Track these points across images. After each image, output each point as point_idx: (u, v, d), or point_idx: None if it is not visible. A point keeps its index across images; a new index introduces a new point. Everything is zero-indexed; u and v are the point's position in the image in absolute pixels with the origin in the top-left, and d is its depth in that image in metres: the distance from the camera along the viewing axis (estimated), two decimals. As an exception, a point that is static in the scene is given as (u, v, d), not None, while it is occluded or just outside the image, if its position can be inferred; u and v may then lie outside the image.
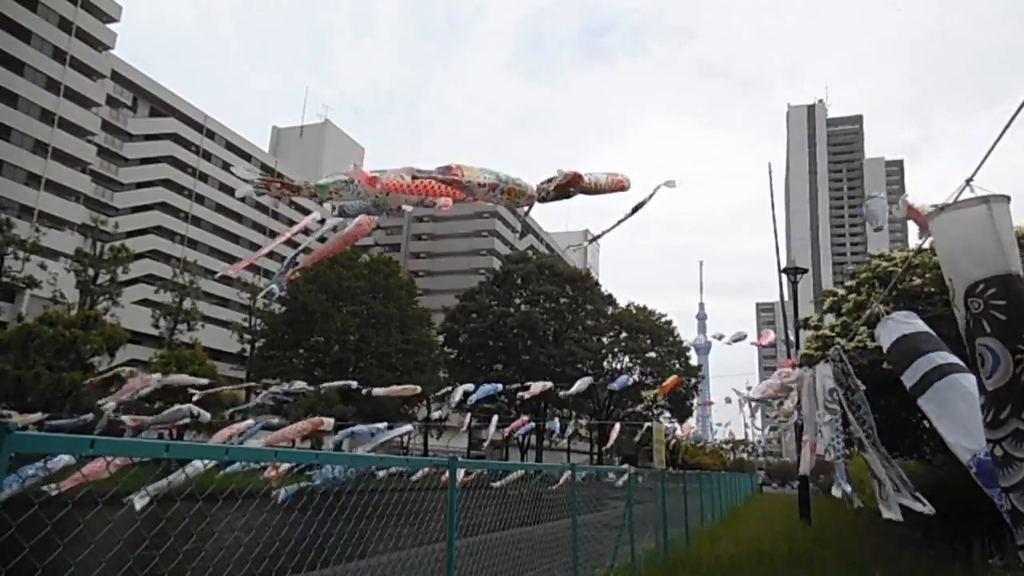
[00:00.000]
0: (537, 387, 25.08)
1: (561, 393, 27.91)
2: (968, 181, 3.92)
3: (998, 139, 3.70)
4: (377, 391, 22.17)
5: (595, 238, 7.67)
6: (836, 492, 7.87)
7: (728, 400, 44.39)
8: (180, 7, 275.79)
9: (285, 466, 8.70)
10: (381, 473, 12.10)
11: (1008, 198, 3.72)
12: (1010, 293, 3.44)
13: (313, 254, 7.02)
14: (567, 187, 5.68)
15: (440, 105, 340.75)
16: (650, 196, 7.47)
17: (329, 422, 12.71)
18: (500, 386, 25.73)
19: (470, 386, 25.00)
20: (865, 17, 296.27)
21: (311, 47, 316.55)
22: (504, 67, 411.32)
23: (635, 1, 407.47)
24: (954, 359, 4.11)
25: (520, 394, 25.03)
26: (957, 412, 3.81)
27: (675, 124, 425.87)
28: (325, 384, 24.41)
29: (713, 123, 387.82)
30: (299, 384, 24.68)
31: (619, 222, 7.37)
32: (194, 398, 22.98)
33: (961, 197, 3.91)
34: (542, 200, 5.63)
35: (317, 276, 45.38)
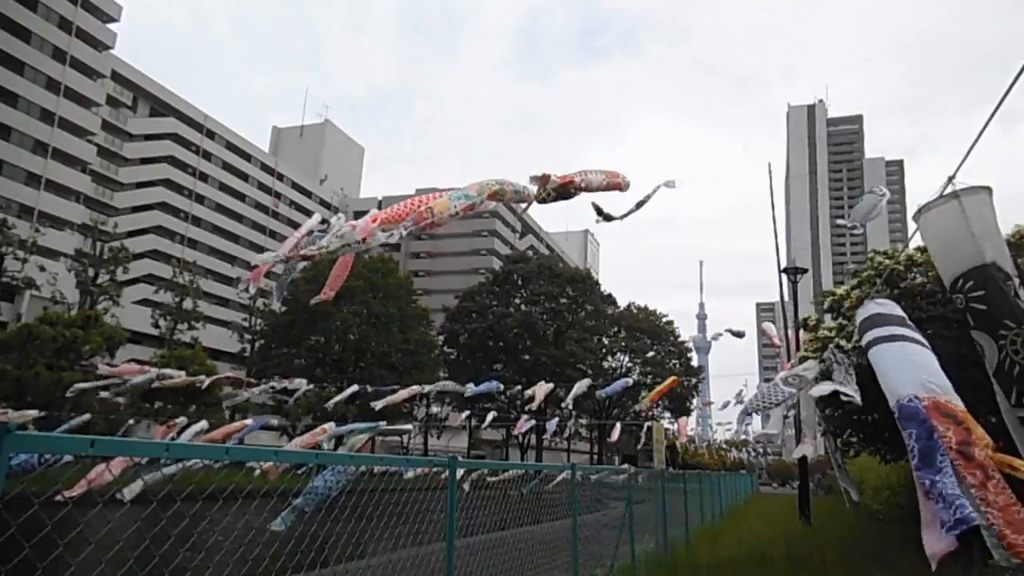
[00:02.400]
0: (541, 391, 24.75)
1: (562, 402, 27.74)
2: (951, 179, 3.92)
3: (980, 134, 3.71)
4: (378, 404, 22.03)
5: (606, 219, 7.79)
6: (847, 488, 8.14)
7: (727, 404, 44.28)
8: (180, 7, 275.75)
9: (283, 465, 8.71)
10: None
11: (987, 188, 3.76)
12: (987, 283, 3.50)
13: (328, 287, 7.32)
14: (566, 189, 5.72)
15: (437, 104, 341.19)
16: (651, 194, 7.51)
17: (331, 426, 12.64)
18: (500, 385, 25.52)
19: (471, 385, 24.92)
20: (864, 16, 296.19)
21: (309, 47, 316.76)
22: (501, 66, 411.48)
23: (631, 1, 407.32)
24: (917, 336, 4.32)
25: (522, 395, 24.82)
26: (897, 365, 4.05)
27: (675, 123, 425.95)
28: (335, 399, 24.29)
29: (713, 122, 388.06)
30: (299, 381, 24.33)
31: (625, 215, 7.44)
32: (203, 385, 22.72)
33: (945, 193, 3.95)
34: (542, 201, 5.67)
35: (317, 276, 45.36)
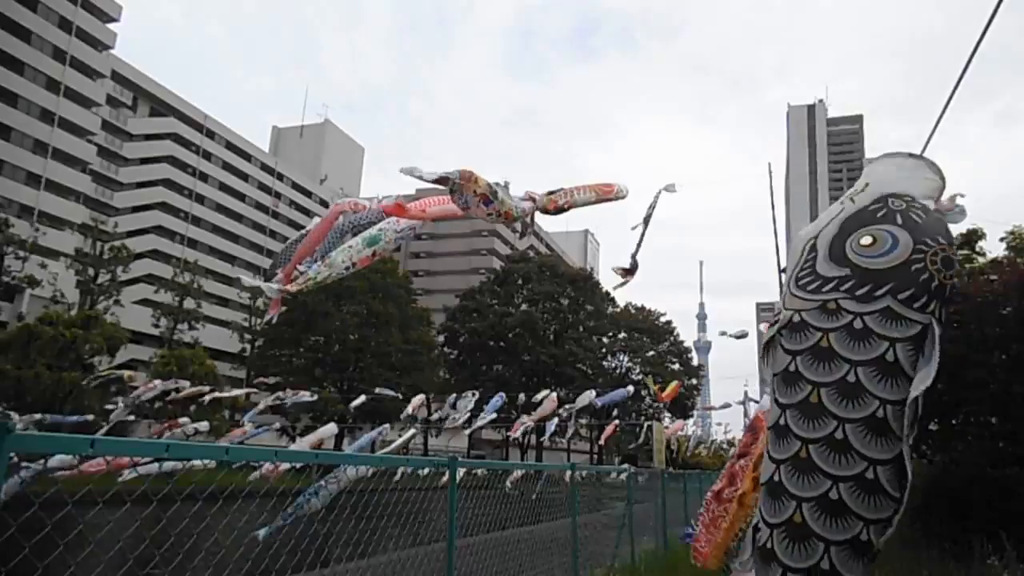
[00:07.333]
0: (547, 406, 25.24)
1: (566, 411, 28.12)
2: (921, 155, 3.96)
3: (943, 112, 3.71)
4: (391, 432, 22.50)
5: (629, 270, 7.99)
6: None
7: (727, 404, 44.10)
8: (179, 7, 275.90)
9: (284, 466, 8.70)
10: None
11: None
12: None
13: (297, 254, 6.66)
14: (558, 209, 5.74)
15: (436, 103, 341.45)
16: (654, 204, 7.55)
17: (330, 429, 12.55)
18: (502, 398, 25.72)
19: (470, 394, 25.29)
20: (863, 16, 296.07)
21: (308, 47, 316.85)
22: (498, 66, 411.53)
23: (627, 1, 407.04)
24: None
25: (525, 410, 25.26)
26: None
27: (673, 123, 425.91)
28: (352, 404, 24.78)
29: (712, 122, 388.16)
30: (304, 394, 24.98)
31: (641, 236, 7.52)
32: (206, 400, 23.51)
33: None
34: (543, 211, 5.69)
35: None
